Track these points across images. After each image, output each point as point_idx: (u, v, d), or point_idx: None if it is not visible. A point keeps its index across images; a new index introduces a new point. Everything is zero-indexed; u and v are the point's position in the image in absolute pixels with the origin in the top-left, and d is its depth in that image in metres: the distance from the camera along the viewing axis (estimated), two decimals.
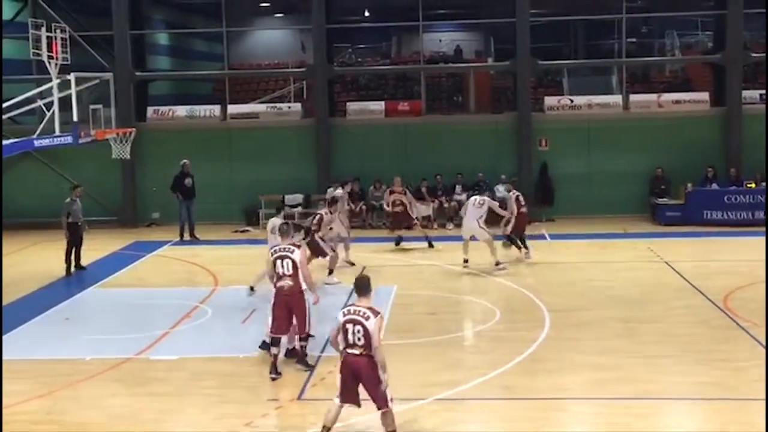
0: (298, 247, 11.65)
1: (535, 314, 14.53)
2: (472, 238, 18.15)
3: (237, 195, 25.05)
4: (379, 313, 8.97)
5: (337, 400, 9.06)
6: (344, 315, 8.94)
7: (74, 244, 18.56)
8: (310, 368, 11.70)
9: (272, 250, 11.59)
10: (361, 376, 8.89)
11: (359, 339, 8.81)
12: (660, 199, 23.60)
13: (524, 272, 17.90)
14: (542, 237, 22.14)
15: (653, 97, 25.52)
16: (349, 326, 8.86)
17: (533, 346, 12.69)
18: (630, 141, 24.68)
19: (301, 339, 11.67)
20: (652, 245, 20.30)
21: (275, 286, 11.42)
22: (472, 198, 18.64)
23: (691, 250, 20.09)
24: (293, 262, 11.34)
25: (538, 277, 17.51)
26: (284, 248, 11.51)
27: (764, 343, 12.34)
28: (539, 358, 12.19)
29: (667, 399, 10.67)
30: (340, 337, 8.96)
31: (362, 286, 9.14)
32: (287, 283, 11.34)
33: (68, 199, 18.62)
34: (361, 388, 9.03)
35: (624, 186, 24.51)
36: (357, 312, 8.89)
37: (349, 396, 8.99)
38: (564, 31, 32.90)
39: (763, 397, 10.06)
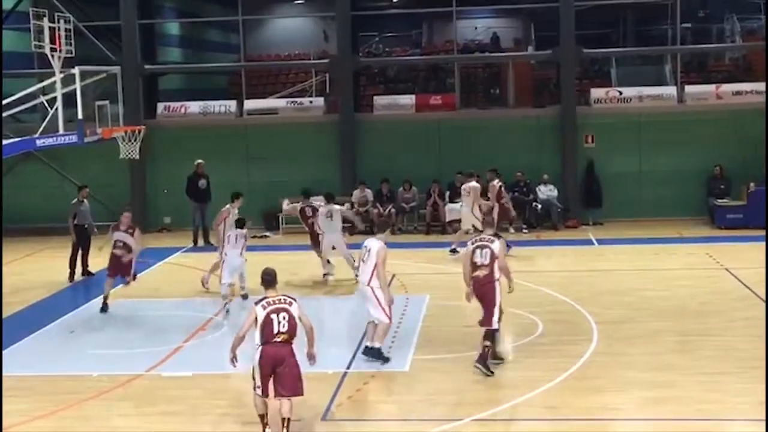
0: (498, 237, 12.68)
1: (581, 327, 14.48)
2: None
3: (254, 197, 25.07)
4: (295, 298, 10.01)
5: (258, 392, 9.92)
6: (264, 308, 9.83)
7: (80, 248, 18.85)
8: (490, 374, 11.98)
9: (472, 241, 12.57)
10: (283, 362, 9.80)
11: (284, 326, 9.78)
12: (719, 200, 23.44)
13: (569, 281, 17.83)
14: (589, 242, 22.08)
15: (711, 87, 25.38)
16: (274, 316, 9.79)
17: (579, 361, 12.65)
18: (685, 136, 24.52)
19: (485, 337, 12.13)
20: (711, 251, 20.16)
21: (473, 273, 12.22)
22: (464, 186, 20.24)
23: (754, 255, 19.86)
24: (491, 252, 12.22)
25: (584, 286, 17.43)
26: (484, 239, 12.43)
27: None
28: (586, 375, 12.14)
29: (727, 420, 10.61)
30: (258, 332, 9.81)
31: (271, 279, 10.18)
32: (483, 272, 12.20)
33: (74, 201, 18.95)
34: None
35: (679, 186, 24.37)
36: (278, 301, 9.91)
37: (268, 387, 9.89)
38: (612, 15, 32.74)
39: None
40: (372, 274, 12.43)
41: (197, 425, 10.85)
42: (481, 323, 12.23)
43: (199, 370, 12.73)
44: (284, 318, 9.78)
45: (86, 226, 18.94)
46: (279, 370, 9.77)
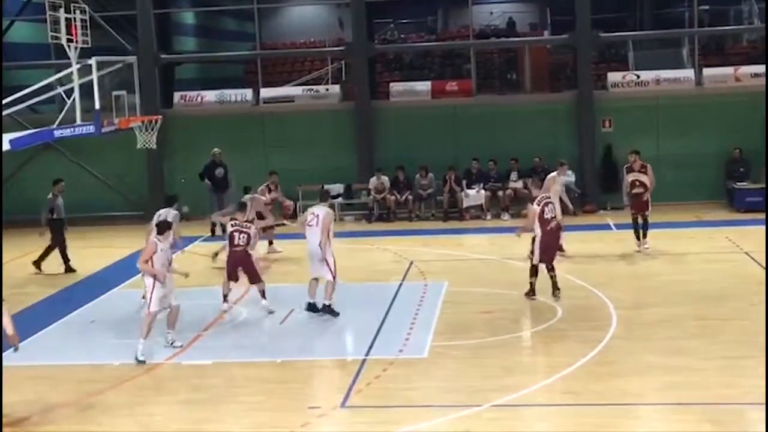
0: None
1: (600, 312, 14.47)
2: None
3: None
4: (252, 224, 15.42)
5: (225, 279, 15.10)
6: (232, 226, 15.01)
7: (61, 242, 19.08)
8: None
9: (537, 202, 15.17)
10: (242, 263, 14.96)
11: (243, 241, 14.88)
12: (738, 183, 23.34)
13: (588, 266, 17.81)
14: (607, 227, 22.03)
15: (729, 70, 25.21)
16: (236, 234, 14.89)
17: (599, 347, 12.65)
18: (704, 119, 24.40)
19: (551, 270, 15.23)
20: (730, 234, 20.09)
21: (547, 227, 15.02)
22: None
23: None
24: (554, 206, 15.42)
25: (603, 271, 17.42)
26: (546, 197, 15.36)
27: None
28: (606, 361, 12.15)
29: (747, 404, 10.56)
30: (227, 240, 15.01)
31: (243, 207, 15.81)
32: (553, 223, 15.17)
33: (50, 195, 19.09)
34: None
35: (697, 169, 24.27)
36: (242, 225, 15.06)
37: (232, 276, 15.08)
38: None
39: None
40: (322, 236, 14.21)
41: (218, 413, 10.93)
42: (548, 261, 15.07)
43: (218, 359, 12.81)
44: (243, 237, 14.88)
45: (62, 219, 19.10)
46: (241, 269, 14.95)
